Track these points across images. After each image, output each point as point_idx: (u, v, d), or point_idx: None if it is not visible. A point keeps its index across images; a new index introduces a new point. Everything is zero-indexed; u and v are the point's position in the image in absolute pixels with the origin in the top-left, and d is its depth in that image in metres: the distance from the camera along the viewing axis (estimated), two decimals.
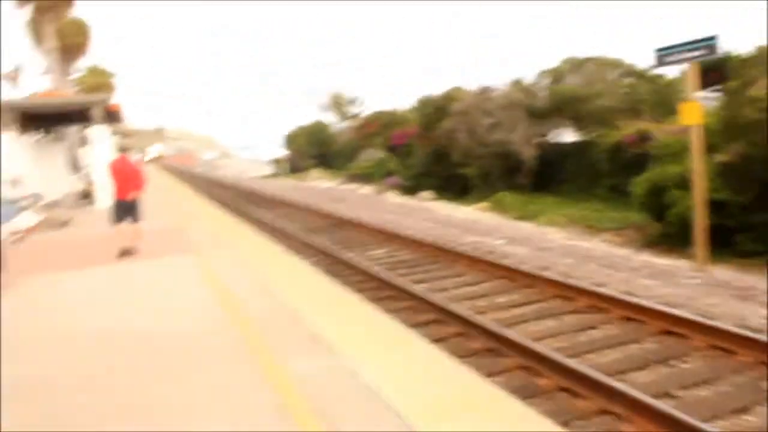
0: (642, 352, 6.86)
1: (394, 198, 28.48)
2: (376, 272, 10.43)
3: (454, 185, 31.82)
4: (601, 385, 5.57)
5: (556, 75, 30.96)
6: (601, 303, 8.34)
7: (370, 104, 60.29)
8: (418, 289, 9.29)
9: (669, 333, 7.24)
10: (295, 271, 9.31)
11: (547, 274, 9.98)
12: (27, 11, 33.67)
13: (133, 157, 50.49)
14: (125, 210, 11.21)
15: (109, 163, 11.78)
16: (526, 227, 18.32)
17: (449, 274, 10.90)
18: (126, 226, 11.24)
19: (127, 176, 11.19)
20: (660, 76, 28.27)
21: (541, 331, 7.63)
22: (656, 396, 5.50)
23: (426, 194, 30.82)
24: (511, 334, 7.07)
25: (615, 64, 30.02)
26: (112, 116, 24.10)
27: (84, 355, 5.81)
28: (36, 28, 35.86)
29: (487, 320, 7.71)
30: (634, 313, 7.83)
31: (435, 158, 33.95)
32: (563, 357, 6.24)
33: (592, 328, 7.70)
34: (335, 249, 12.90)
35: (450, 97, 34.60)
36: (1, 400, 4.69)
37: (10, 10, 33.54)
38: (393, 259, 12.39)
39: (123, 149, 12.33)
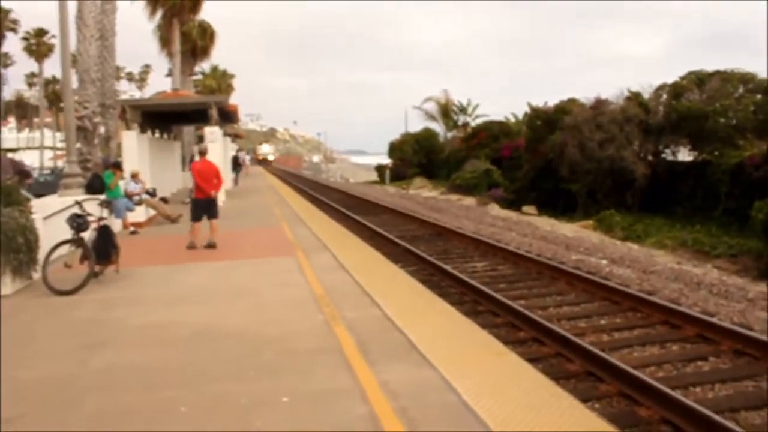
0: (757, 390, 6.42)
1: (496, 210, 28.11)
2: (476, 285, 10.33)
3: (559, 201, 31.04)
4: (709, 422, 5.26)
5: (677, 89, 29.50)
6: (711, 333, 7.88)
7: (480, 112, 59.49)
8: (518, 305, 9.13)
9: None
10: (394, 280, 9.39)
11: (653, 298, 9.55)
12: (157, 17, 35.87)
13: (244, 157, 52.29)
14: (204, 208, 12.20)
15: (191, 164, 12.77)
16: (632, 248, 17.59)
17: (550, 291, 10.65)
18: (204, 223, 12.25)
19: (207, 177, 12.09)
20: None
21: (645, 358, 7.30)
22: None
23: (529, 208, 30.21)
24: (612, 358, 6.81)
25: (744, 78, 28.22)
26: (228, 117, 25.45)
27: (179, 346, 6.12)
28: (163, 31, 38.20)
29: (587, 342, 7.47)
30: (749, 347, 7.34)
31: (542, 172, 33.18)
32: (667, 387, 5.94)
33: (701, 359, 7.29)
34: (435, 259, 12.90)
35: (562, 110, 33.71)
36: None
37: (140, 16, 35.72)
38: (493, 273, 12.25)
39: (202, 152, 13.18)
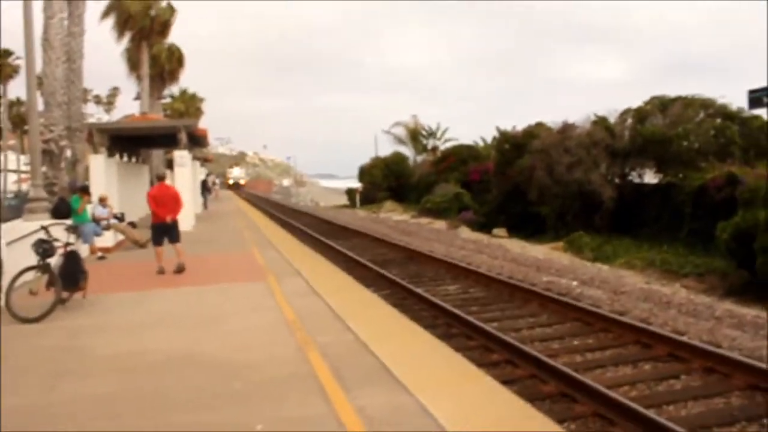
0: (728, 407, 6.49)
1: (467, 233, 28.28)
2: (448, 308, 10.32)
3: (529, 223, 31.36)
4: None
5: (641, 114, 30.18)
6: (682, 352, 7.97)
7: (450, 135, 60.15)
8: (490, 327, 9.14)
9: (757, 388, 6.82)
10: (367, 304, 9.36)
11: (624, 318, 9.64)
12: (125, 40, 35.66)
13: (213, 181, 51.88)
14: (164, 232, 12.26)
15: (148, 190, 12.94)
16: (602, 269, 17.80)
17: (522, 313, 10.70)
18: (168, 247, 12.29)
19: (163, 202, 12.21)
20: (756, 117, 27.15)
21: (618, 378, 7.35)
22: None
23: (499, 231, 30.42)
24: (586, 379, 6.84)
25: (705, 104, 28.99)
26: (197, 140, 25.26)
27: (148, 374, 5.99)
28: (132, 54, 37.95)
29: (560, 363, 7.50)
30: (719, 364, 7.43)
31: (511, 195, 33.56)
32: (641, 407, 5.97)
33: (673, 377, 7.36)
34: (406, 282, 12.89)
35: (530, 134, 34.21)
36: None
37: (108, 38, 35.44)
38: (465, 296, 12.27)
39: (160, 177, 13.39)
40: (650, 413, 5.84)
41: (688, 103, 29.13)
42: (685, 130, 27.12)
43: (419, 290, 11.93)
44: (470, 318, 9.64)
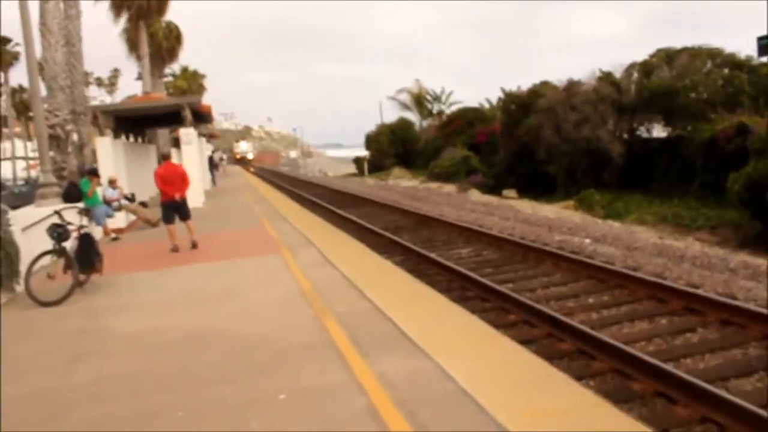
0: (745, 358, 6.51)
1: (477, 196, 28.21)
2: (462, 271, 10.34)
3: (539, 183, 31.29)
4: (702, 391, 5.33)
5: (647, 67, 29.78)
6: (697, 305, 7.98)
7: (453, 100, 59.85)
8: (505, 288, 9.17)
9: None
10: (382, 271, 9.37)
11: (638, 274, 9.64)
12: (122, 20, 35.35)
13: (221, 156, 51.64)
14: (175, 210, 12.37)
15: (155, 170, 13.05)
16: (614, 226, 17.76)
17: (536, 273, 10.70)
18: (180, 225, 12.40)
19: (171, 180, 12.28)
20: (765, 65, 26.72)
21: (634, 334, 7.38)
22: (762, 405, 5.21)
23: (509, 192, 30.39)
24: (603, 336, 6.87)
25: (712, 54, 28.55)
26: (202, 117, 25.19)
27: (169, 352, 6.07)
28: (130, 34, 37.71)
29: (576, 321, 7.53)
30: (734, 315, 7.44)
31: (519, 156, 33.45)
32: (659, 361, 6.00)
33: (690, 331, 7.38)
34: (419, 247, 12.90)
35: (535, 93, 33.95)
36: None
37: (106, 19, 35.21)
38: (478, 258, 12.28)
39: (165, 156, 13.50)
40: (668, 367, 5.87)
41: (695, 53, 28.70)
42: (692, 82, 26.77)
43: (432, 255, 11.93)
44: (485, 280, 9.65)
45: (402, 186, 36.41)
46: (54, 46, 19.36)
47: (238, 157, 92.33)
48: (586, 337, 6.89)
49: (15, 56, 67.48)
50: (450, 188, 33.32)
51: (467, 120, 45.82)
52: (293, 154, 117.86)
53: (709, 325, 7.47)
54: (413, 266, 11.41)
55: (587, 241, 13.54)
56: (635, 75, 30.24)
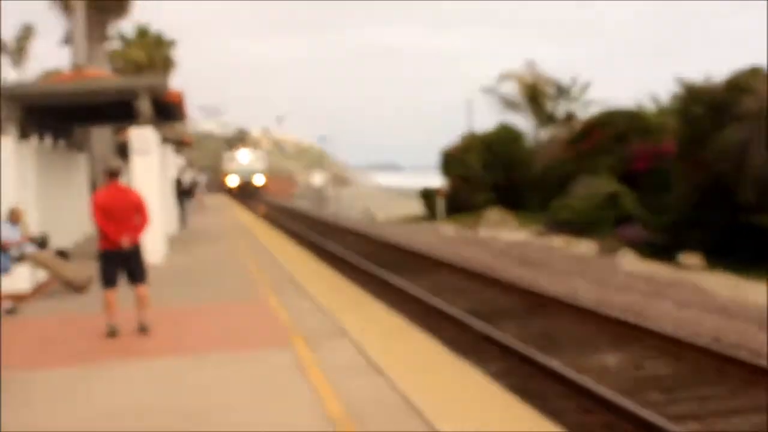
0: None
1: (632, 263, 21.07)
2: (606, 397, 7.17)
3: (743, 242, 22.82)
4: None
5: None
6: None
7: (593, 95, 41.09)
8: None
9: None
10: (465, 386, 6.38)
11: None
12: None
13: (193, 179, 36.28)
14: (121, 264, 8.17)
15: (91, 195, 9.30)
16: None
17: (743, 405, 7.24)
18: (125, 290, 8.17)
19: (119, 214, 8.08)
20: None
21: None
22: None
23: (690, 258, 22.62)
24: None
25: None
26: (167, 111, 17.84)
27: None
28: None
29: None
30: None
31: (708, 195, 24.54)
32: None
33: None
34: (533, 349, 9.12)
35: (738, 86, 24.38)
36: None
37: None
38: (637, 374, 8.80)
39: (112, 172, 9.02)
40: None
41: None
42: None
43: (555, 364, 8.46)
44: (646, 415, 6.55)
45: (503, 241, 26.88)
46: None
47: (229, 181, 57.41)
48: None
49: None
50: (586, 247, 25.78)
51: (617, 131, 31.97)
52: (318, 179, 76.94)
53: None
54: (522, 381, 8.14)
55: None
56: None
